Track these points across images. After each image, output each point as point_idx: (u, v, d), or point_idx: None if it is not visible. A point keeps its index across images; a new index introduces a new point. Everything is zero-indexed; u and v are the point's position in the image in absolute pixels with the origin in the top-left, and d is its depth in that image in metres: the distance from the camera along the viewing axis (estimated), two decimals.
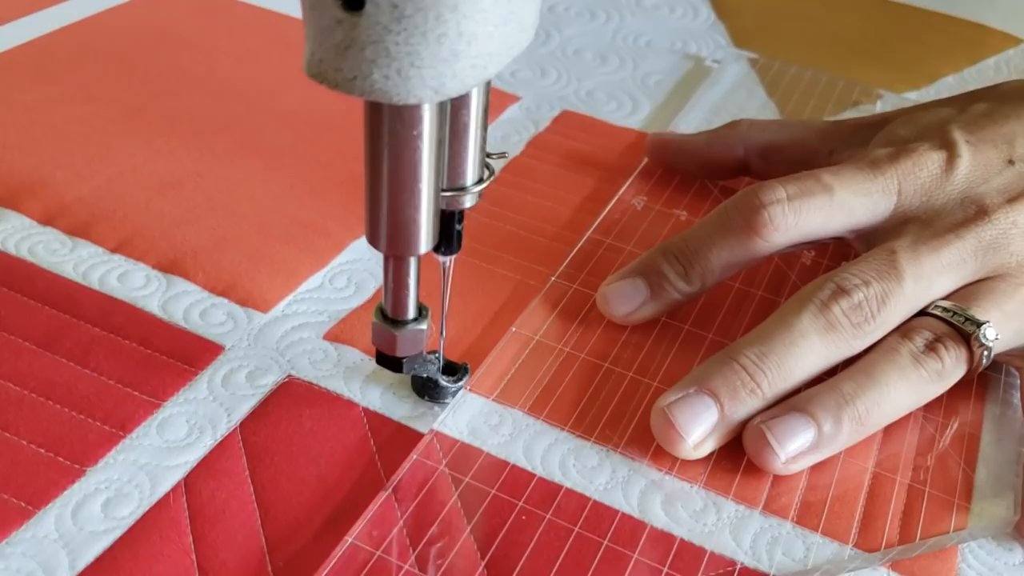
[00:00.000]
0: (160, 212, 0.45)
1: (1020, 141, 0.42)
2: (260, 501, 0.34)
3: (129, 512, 0.33)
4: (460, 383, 0.38)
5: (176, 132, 0.51)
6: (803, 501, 0.35)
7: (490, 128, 0.51)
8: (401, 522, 0.33)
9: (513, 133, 0.54)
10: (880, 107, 0.59)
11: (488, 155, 0.34)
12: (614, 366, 0.40)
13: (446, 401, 0.38)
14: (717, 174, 0.51)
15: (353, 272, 0.43)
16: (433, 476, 0.35)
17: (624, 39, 0.66)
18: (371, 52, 0.26)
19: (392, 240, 0.31)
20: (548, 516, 0.34)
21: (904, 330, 0.38)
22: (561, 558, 0.33)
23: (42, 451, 0.34)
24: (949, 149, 0.41)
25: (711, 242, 0.40)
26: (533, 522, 0.34)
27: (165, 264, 0.42)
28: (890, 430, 0.38)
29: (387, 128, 0.29)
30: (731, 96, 0.60)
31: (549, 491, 0.35)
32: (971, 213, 0.40)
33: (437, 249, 0.34)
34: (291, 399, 0.37)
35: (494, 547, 0.33)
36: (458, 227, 0.34)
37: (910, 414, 0.38)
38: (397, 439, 0.36)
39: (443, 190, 0.33)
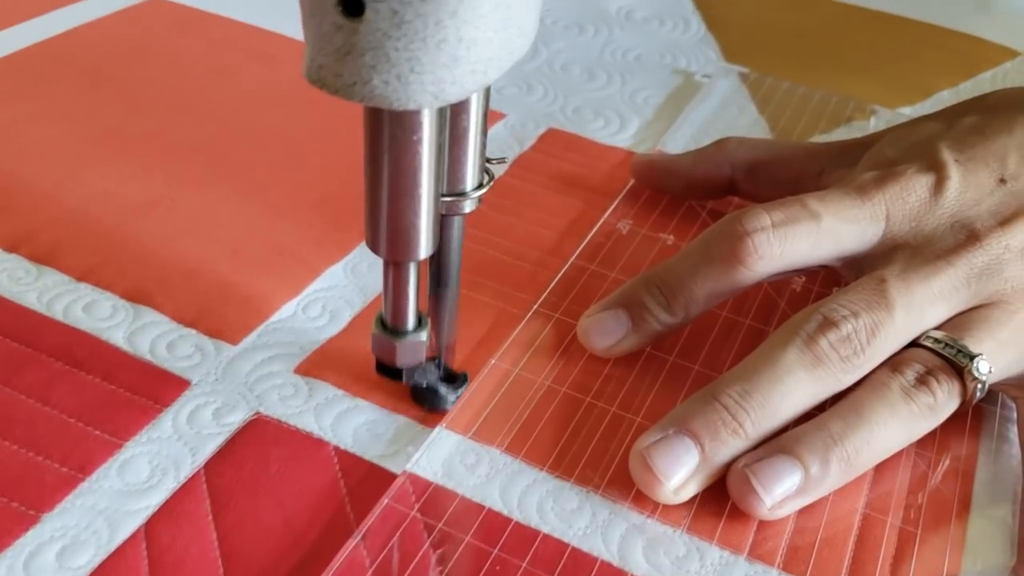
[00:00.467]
0: (130, 238, 0.44)
1: (1012, 157, 0.41)
2: (223, 548, 0.32)
3: (86, 561, 0.32)
4: (460, 391, 0.37)
5: (150, 153, 0.50)
6: (790, 546, 0.34)
7: None
8: (371, 572, 0.32)
9: (497, 152, 0.53)
10: (874, 123, 0.58)
11: (488, 160, 0.34)
12: (596, 400, 0.38)
13: (446, 409, 0.37)
14: (704, 195, 0.49)
15: (328, 300, 0.42)
16: (405, 522, 0.33)
17: (612, 53, 0.64)
18: (371, 58, 0.26)
19: (392, 245, 0.31)
20: (524, 565, 0.32)
21: (894, 363, 0.37)
22: None
23: None
24: (938, 170, 0.40)
25: (694, 272, 0.39)
26: (508, 571, 0.32)
27: (133, 293, 0.41)
28: (880, 467, 0.37)
29: (387, 133, 0.29)
30: (721, 113, 0.58)
31: (526, 537, 0.33)
32: (962, 238, 0.38)
33: (421, 404, 0.37)
34: (258, 438, 0.36)
35: None
36: (444, 391, 0.37)
37: (901, 450, 0.37)
38: (369, 480, 0.35)
39: (443, 195, 0.33)
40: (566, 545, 0.33)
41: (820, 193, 0.40)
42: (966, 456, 0.38)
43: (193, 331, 0.40)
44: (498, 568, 0.32)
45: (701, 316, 0.40)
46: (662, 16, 0.70)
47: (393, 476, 0.35)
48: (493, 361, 0.39)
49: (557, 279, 0.44)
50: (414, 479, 0.35)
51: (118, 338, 0.39)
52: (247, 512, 0.33)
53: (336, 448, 0.36)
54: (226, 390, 0.37)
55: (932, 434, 0.37)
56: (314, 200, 0.47)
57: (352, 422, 0.37)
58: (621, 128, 0.57)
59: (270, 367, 0.38)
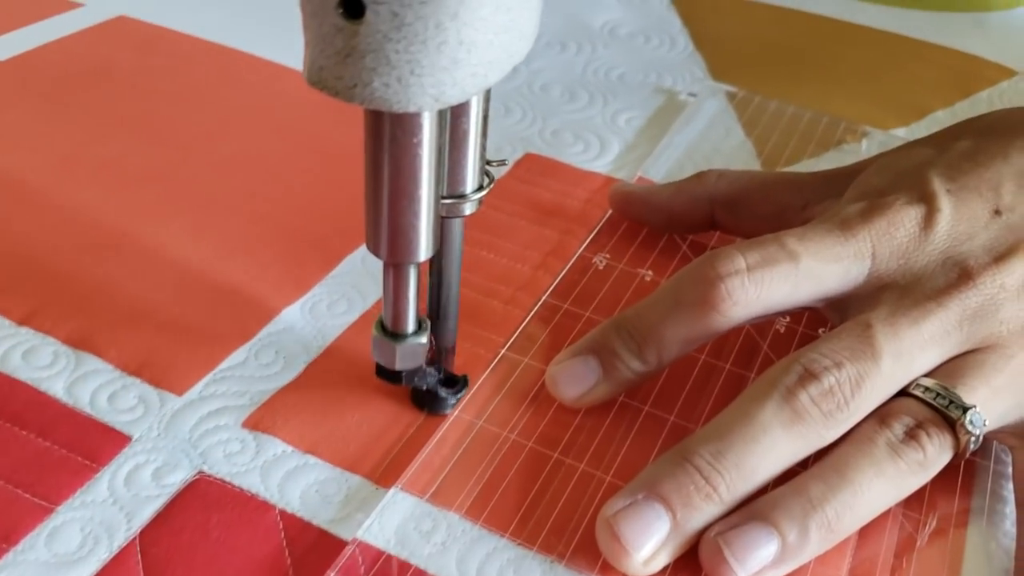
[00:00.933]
0: (76, 278, 0.42)
1: (1007, 186, 0.38)
2: None
3: None
4: (459, 395, 0.37)
5: (104, 184, 0.47)
6: None
7: None
8: None
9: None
10: (866, 146, 0.55)
11: (488, 163, 0.34)
12: (564, 456, 0.36)
13: (446, 413, 0.36)
14: (684, 229, 0.47)
15: (282, 345, 0.40)
16: None
17: (595, 72, 0.62)
18: (371, 60, 0.26)
19: (392, 247, 0.31)
20: None
21: (881, 415, 0.34)
22: None
23: None
24: (928, 202, 0.37)
25: (665, 317, 0.36)
26: None
27: (76, 338, 0.39)
28: (864, 529, 0.34)
29: (387, 136, 0.29)
30: (706, 136, 0.56)
31: None
32: (954, 277, 0.36)
33: (421, 408, 0.36)
34: (200, 501, 0.33)
35: None
36: (444, 394, 0.37)
37: (887, 510, 0.34)
38: (317, 548, 0.32)
39: (443, 197, 0.33)
40: None
41: (800, 230, 0.37)
42: (957, 514, 0.36)
43: (137, 380, 0.37)
44: None
45: (677, 361, 0.38)
46: (648, 33, 0.67)
47: (343, 543, 0.33)
48: (455, 413, 0.37)
49: (527, 320, 0.41)
50: (364, 548, 0.32)
51: (57, 388, 0.37)
52: None
53: (282, 512, 0.33)
54: (168, 446, 0.35)
55: (920, 491, 0.34)
56: (271, 234, 0.45)
57: (301, 482, 0.34)
58: (602, 152, 0.54)
59: (216, 420, 0.36)
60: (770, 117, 0.58)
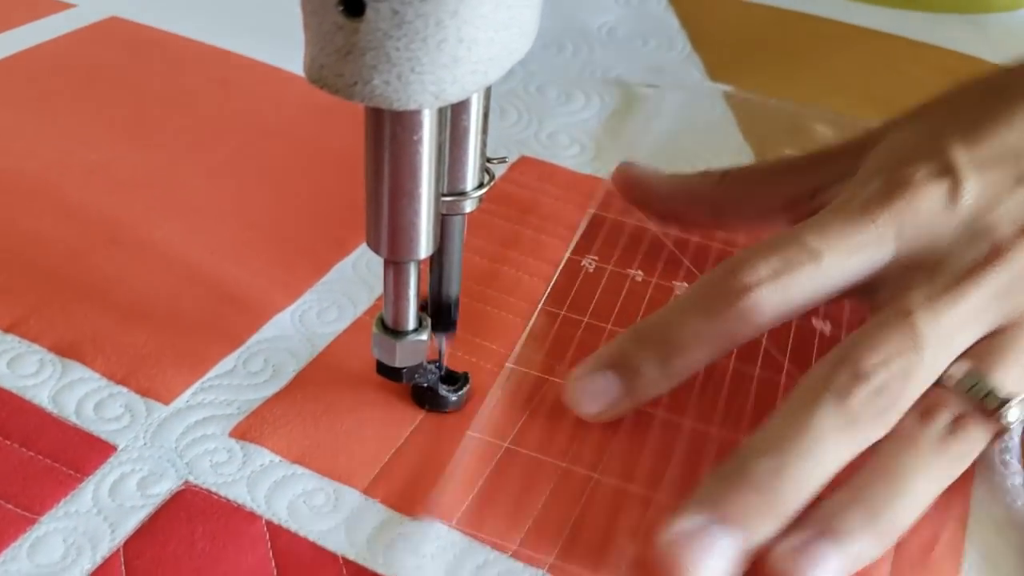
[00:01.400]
0: (63, 285, 0.41)
1: None
2: None
3: None
4: (461, 392, 0.36)
5: (93, 189, 0.47)
6: None
7: None
8: None
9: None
10: None
11: (488, 160, 0.34)
12: (574, 466, 0.35)
13: (447, 411, 0.36)
14: (680, 226, 0.46)
15: (271, 352, 0.39)
16: None
17: (592, 74, 0.62)
18: (372, 58, 0.26)
19: (392, 244, 0.31)
20: None
21: (921, 410, 0.33)
22: None
23: None
24: (951, 174, 0.36)
25: (689, 330, 0.35)
26: None
27: (62, 346, 0.38)
28: None
29: (388, 133, 0.29)
30: (703, 138, 0.55)
31: None
32: (984, 252, 0.35)
33: (435, 328, 0.35)
34: (185, 511, 0.33)
35: None
36: (454, 313, 0.36)
37: None
38: (304, 560, 0.32)
39: (443, 195, 0.32)
40: None
41: (818, 222, 0.36)
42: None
43: (124, 389, 0.37)
44: None
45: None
46: (645, 34, 0.67)
47: (330, 555, 0.32)
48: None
49: (528, 330, 0.41)
50: (349, 564, 0.32)
51: (42, 397, 0.36)
52: None
53: (269, 523, 0.33)
54: (154, 456, 0.35)
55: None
56: (262, 241, 0.44)
57: (288, 493, 0.34)
58: (597, 155, 0.54)
59: (203, 430, 0.36)
60: (768, 117, 0.57)
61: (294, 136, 0.52)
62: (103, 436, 0.35)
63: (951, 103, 0.40)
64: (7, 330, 0.39)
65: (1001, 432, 0.33)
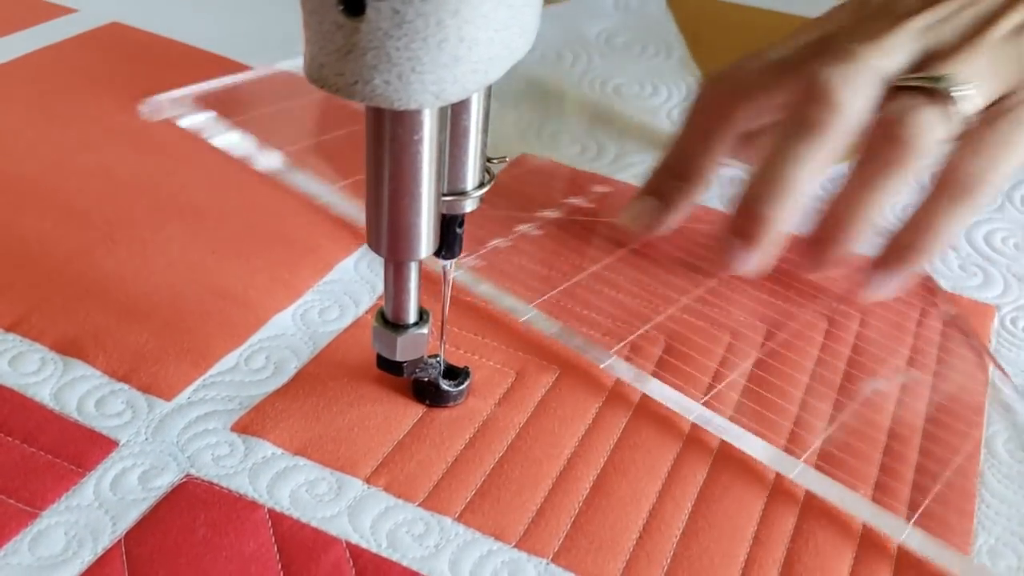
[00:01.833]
0: (65, 284, 0.41)
1: None
2: None
3: None
4: (462, 386, 0.37)
5: (94, 191, 0.47)
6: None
7: None
8: None
9: None
10: None
11: (488, 159, 0.34)
12: (564, 458, 0.36)
13: (448, 405, 0.36)
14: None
15: (273, 350, 0.39)
16: None
17: (591, 83, 0.62)
18: (372, 57, 0.26)
19: (393, 245, 0.31)
20: None
21: (881, 120, 0.39)
22: None
23: None
24: None
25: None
26: None
27: (63, 344, 0.38)
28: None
29: (388, 133, 0.29)
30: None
31: None
32: None
33: (438, 253, 0.34)
34: (186, 502, 0.33)
35: None
36: (459, 231, 0.34)
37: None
38: (306, 545, 0.32)
39: (444, 194, 0.32)
40: None
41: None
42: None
43: (125, 386, 0.37)
44: None
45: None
46: (644, 41, 0.67)
47: (334, 540, 0.32)
48: (453, 414, 0.37)
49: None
50: (353, 549, 0.32)
51: (44, 395, 0.36)
52: None
53: (271, 511, 0.33)
54: (156, 451, 0.35)
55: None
56: (263, 241, 0.44)
57: (291, 482, 0.34)
58: (599, 154, 0.54)
59: (205, 424, 0.36)
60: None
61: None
62: (105, 432, 0.35)
63: None
64: (8, 329, 0.39)
65: (957, 109, 0.39)
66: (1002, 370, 0.40)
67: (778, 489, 0.35)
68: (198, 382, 0.37)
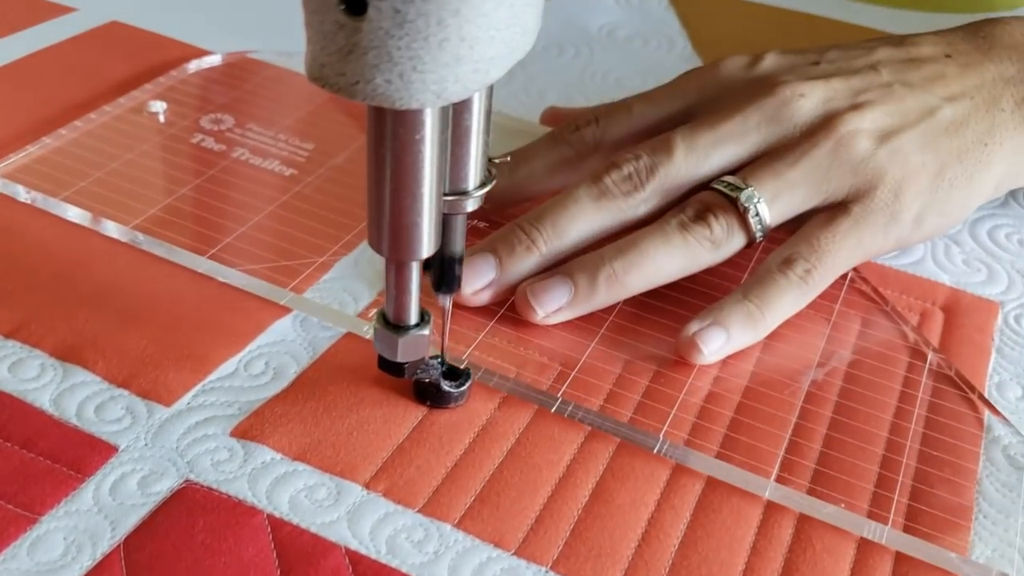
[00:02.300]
0: (64, 290, 0.41)
1: (833, 53, 0.46)
2: None
3: None
4: (463, 387, 0.36)
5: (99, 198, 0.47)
6: None
7: None
8: None
9: None
10: None
11: (490, 159, 0.34)
12: (562, 464, 0.35)
13: (449, 406, 0.36)
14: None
15: (273, 356, 0.39)
16: None
17: (592, 76, 0.62)
18: (373, 57, 0.26)
19: (394, 244, 0.31)
20: None
21: (681, 205, 0.41)
22: None
23: None
24: (758, 56, 0.46)
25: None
26: None
27: (63, 350, 0.38)
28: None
29: (389, 132, 0.29)
30: None
31: None
32: (756, 89, 0.43)
33: (437, 289, 0.35)
34: (185, 507, 0.33)
35: None
36: (458, 269, 0.35)
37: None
38: (305, 551, 0.32)
39: (445, 194, 0.33)
40: None
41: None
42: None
43: (125, 392, 0.37)
44: None
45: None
46: (646, 35, 0.67)
47: (333, 546, 0.32)
48: (452, 418, 0.36)
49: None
50: (352, 555, 0.32)
51: (44, 400, 0.36)
52: None
53: (270, 516, 0.33)
54: (155, 456, 0.35)
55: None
56: (266, 245, 0.44)
57: (290, 487, 0.34)
58: None
59: (204, 430, 0.36)
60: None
61: (290, 137, 0.52)
62: (104, 437, 0.35)
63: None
64: (8, 335, 0.39)
65: (752, 227, 0.40)
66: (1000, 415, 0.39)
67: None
68: (197, 388, 0.37)
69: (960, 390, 0.39)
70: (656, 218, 0.41)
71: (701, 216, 0.40)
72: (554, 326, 0.41)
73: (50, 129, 0.50)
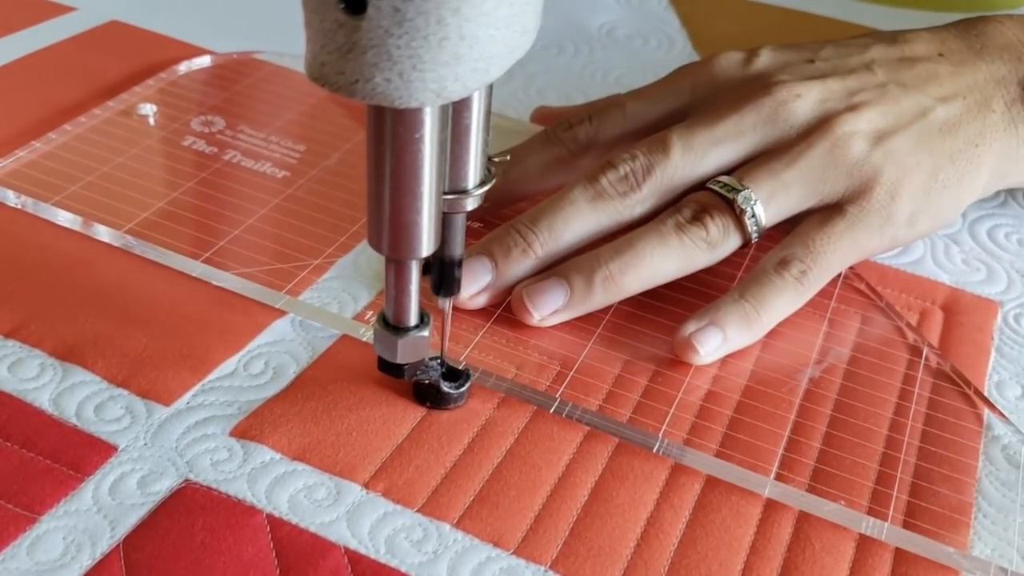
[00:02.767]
0: (64, 290, 0.41)
1: (827, 51, 0.45)
2: None
3: None
4: (463, 388, 0.36)
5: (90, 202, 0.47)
6: None
7: None
8: None
9: None
10: None
11: (489, 158, 0.34)
12: (560, 465, 0.35)
13: (448, 407, 0.36)
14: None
15: (272, 355, 0.39)
16: None
17: (592, 75, 0.62)
18: (373, 55, 0.26)
19: (394, 243, 0.31)
20: None
21: (677, 205, 0.41)
22: None
23: None
24: (753, 52, 0.45)
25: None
26: None
27: (63, 350, 0.38)
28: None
29: (389, 131, 0.29)
30: None
31: None
32: (754, 88, 0.43)
33: (437, 292, 0.35)
34: (185, 507, 0.33)
35: None
36: (457, 272, 0.35)
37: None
38: (304, 551, 0.32)
39: (445, 193, 0.33)
40: None
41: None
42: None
43: (124, 391, 0.37)
44: None
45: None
46: (646, 34, 0.67)
47: (332, 546, 0.32)
48: (452, 418, 0.36)
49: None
50: (352, 555, 0.32)
51: (43, 400, 0.36)
52: None
53: (269, 516, 0.33)
54: (154, 456, 0.35)
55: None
56: (260, 248, 0.44)
57: (289, 487, 0.34)
58: None
59: (204, 430, 0.36)
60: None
61: (288, 137, 0.52)
62: (103, 437, 0.35)
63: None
64: (8, 335, 0.39)
65: (747, 227, 0.40)
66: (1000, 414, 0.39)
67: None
68: (197, 387, 0.37)
69: (958, 387, 0.39)
70: (651, 218, 0.41)
71: (697, 217, 0.40)
72: (552, 326, 0.41)
73: (45, 131, 0.50)
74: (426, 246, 0.32)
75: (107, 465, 0.34)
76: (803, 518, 0.34)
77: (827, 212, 0.42)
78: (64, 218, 0.44)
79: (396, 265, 0.33)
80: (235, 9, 0.65)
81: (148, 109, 0.52)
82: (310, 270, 0.43)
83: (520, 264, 0.40)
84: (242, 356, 0.39)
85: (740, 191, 0.40)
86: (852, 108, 0.43)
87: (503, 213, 0.45)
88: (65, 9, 0.63)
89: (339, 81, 0.27)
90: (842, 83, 0.44)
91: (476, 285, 0.40)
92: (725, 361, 0.40)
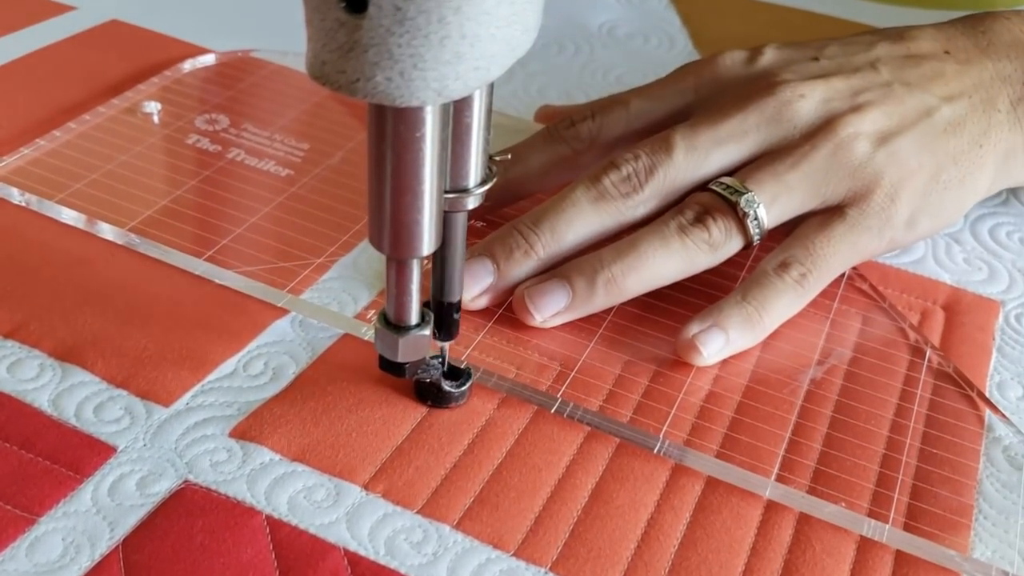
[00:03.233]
0: (64, 290, 0.41)
1: (832, 48, 0.45)
2: None
3: None
4: (464, 387, 0.36)
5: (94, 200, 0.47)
6: None
7: None
8: None
9: None
10: None
11: (491, 156, 0.34)
12: (561, 466, 0.35)
13: (450, 406, 0.36)
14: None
15: (272, 356, 0.39)
16: None
17: (592, 74, 0.61)
18: (374, 54, 0.26)
19: (395, 242, 0.31)
20: None
21: (679, 206, 0.41)
22: None
23: None
24: (757, 51, 0.45)
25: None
26: None
27: (62, 351, 0.38)
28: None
29: (390, 130, 0.29)
30: None
31: None
32: (757, 88, 0.42)
33: (436, 336, 0.35)
34: (184, 508, 0.33)
35: None
36: (455, 316, 0.36)
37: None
38: (304, 552, 0.32)
39: (446, 191, 0.33)
40: None
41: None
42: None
43: (124, 392, 0.37)
44: None
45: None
46: (647, 32, 0.67)
47: (331, 547, 0.32)
48: (452, 417, 0.36)
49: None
50: (351, 556, 0.32)
51: (42, 401, 0.36)
52: None
53: (268, 517, 0.33)
54: (154, 456, 0.35)
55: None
56: (263, 247, 0.44)
57: (289, 488, 0.34)
58: None
59: (203, 430, 0.36)
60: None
61: (290, 136, 0.52)
62: (102, 438, 0.35)
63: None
64: (7, 336, 0.39)
65: (749, 229, 0.40)
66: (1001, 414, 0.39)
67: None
68: (196, 388, 0.37)
69: (960, 388, 0.39)
70: (654, 218, 0.41)
71: (700, 219, 0.40)
72: (553, 326, 0.40)
73: (47, 130, 0.50)
74: (427, 245, 0.32)
75: (106, 466, 0.34)
76: (804, 520, 0.34)
77: (828, 214, 0.41)
78: (68, 216, 0.44)
79: (397, 264, 0.33)
80: (234, 8, 0.65)
81: (153, 107, 0.52)
82: (312, 269, 0.43)
83: (522, 265, 0.40)
84: (242, 356, 0.39)
85: (743, 194, 0.40)
86: (856, 108, 0.42)
87: (505, 212, 0.45)
88: (65, 8, 0.63)
89: (340, 80, 0.27)
90: (846, 82, 0.43)
91: (478, 286, 0.40)
92: (726, 362, 0.40)
